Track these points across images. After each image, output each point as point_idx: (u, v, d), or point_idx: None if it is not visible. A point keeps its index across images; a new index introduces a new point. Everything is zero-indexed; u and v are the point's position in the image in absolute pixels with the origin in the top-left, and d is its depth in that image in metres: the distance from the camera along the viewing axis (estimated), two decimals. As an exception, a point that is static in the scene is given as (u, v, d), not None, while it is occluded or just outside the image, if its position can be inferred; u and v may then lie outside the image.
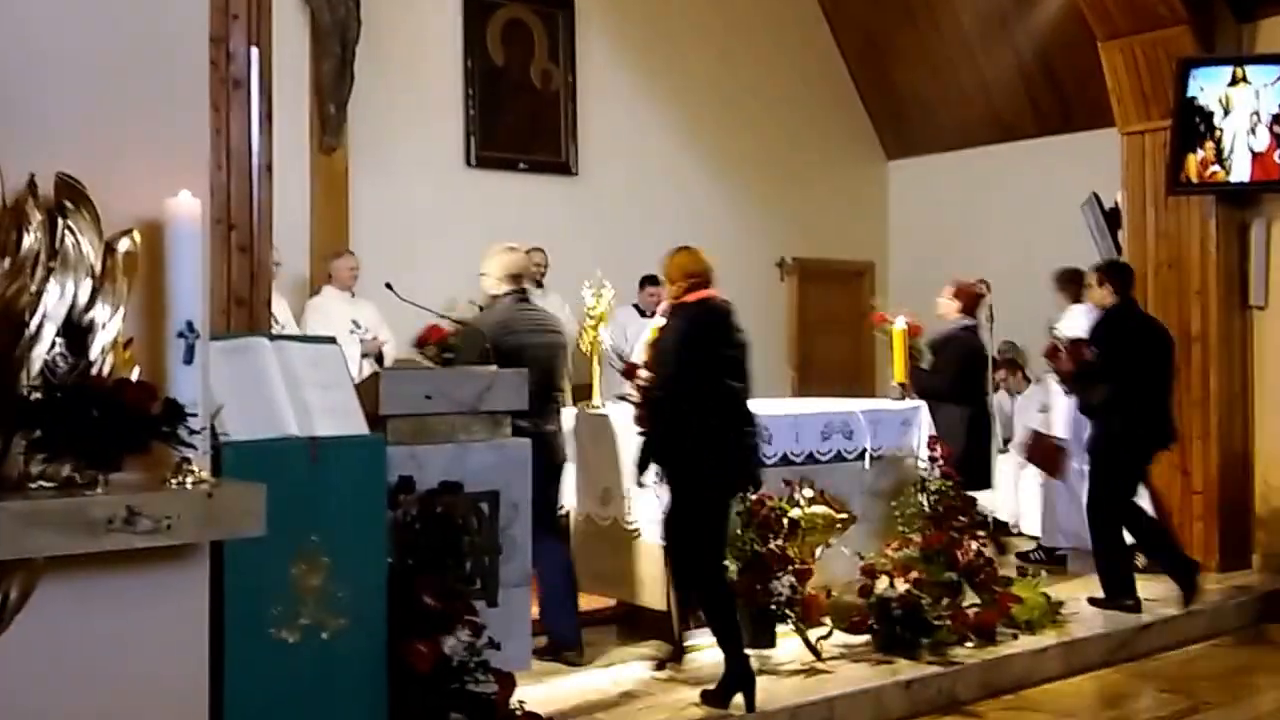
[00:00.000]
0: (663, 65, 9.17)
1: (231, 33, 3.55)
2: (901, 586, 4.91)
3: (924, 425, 5.74)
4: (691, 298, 4.33)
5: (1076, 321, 6.32)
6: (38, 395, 2.20)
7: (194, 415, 2.34)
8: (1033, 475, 7.51)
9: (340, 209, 7.60)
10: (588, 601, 5.20)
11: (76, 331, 2.31)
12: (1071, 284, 6.61)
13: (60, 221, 2.30)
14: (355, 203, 7.68)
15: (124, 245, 2.39)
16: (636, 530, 4.93)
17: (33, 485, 2.16)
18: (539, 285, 7.67)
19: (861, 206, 10.53)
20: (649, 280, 7.89)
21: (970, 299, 6.21)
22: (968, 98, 9.88)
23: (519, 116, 8.49)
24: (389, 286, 6.32)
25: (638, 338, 6.44)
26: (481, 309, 5.56)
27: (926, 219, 10.25)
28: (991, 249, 9.30)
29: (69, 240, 2.31)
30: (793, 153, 9.94)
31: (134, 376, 2.36)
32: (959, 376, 5.91)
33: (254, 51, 3.60)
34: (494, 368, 4.13)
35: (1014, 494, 7.57)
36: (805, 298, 10.19)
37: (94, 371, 2.33)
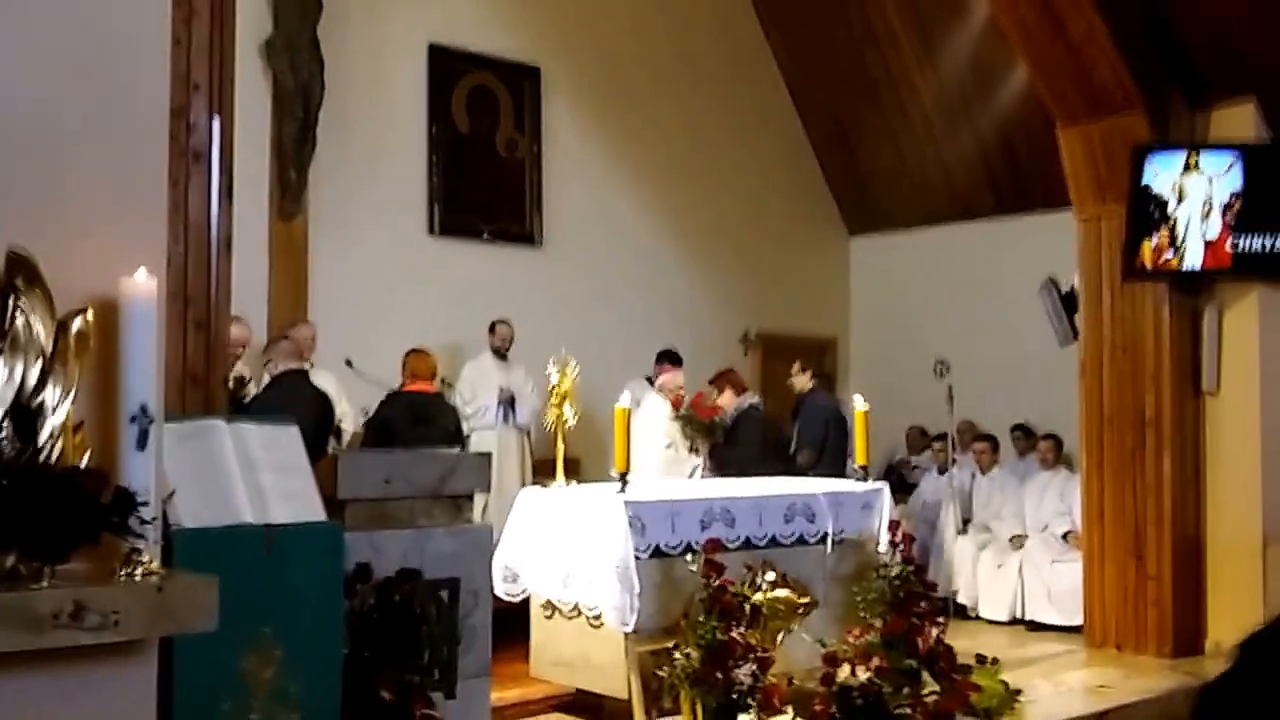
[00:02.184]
0: (629, 137, 9.23)
1: (193, 104, 3.47)
2: (863, 675, 4.84)
3: (885, 508, 5.72)
4: (402, 389, 5.70)
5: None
6: (-19, 483, 2.09)
7: (145, 504, 2.26)
8: (990, 557, 7.53)
9: (299, 276, 7.45)
10: (545, 689, 5.06)
11: (25, 415, 2.22)
12: (721, 378, 7.59)
13: (10, 300, 2.22)
14: (314, 270, 7.54)
15: (77, 325, 2.31)
16: (598, 615, 4.81)
17: (-28, 578, 2.05)
18: (504, 357, 7.58)
19: (825, 281, 10.65)
20: (665, 357, 7.74)
21: (737, 383, 7.26)
22: (929, 176, 10.07)
23: (483, 185, 8.42)
24: (349, 364, 6.25)
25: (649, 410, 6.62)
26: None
27: (888, 295, 10.38)
28: (951, 325, 9.41)
29: (19, 320, 2.23)
30: (757, 227, 10.04)
31: (84, 462, 2.29)
32: (762, 447, 6.82)
33: (215, 123, 3.53)
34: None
35: (973, 576, 7.56)
36: (769, 371, 10.18)
37: (42, 458, 2.24)
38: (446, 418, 6.17)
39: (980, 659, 5.43)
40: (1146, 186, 6.08)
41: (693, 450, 6.88)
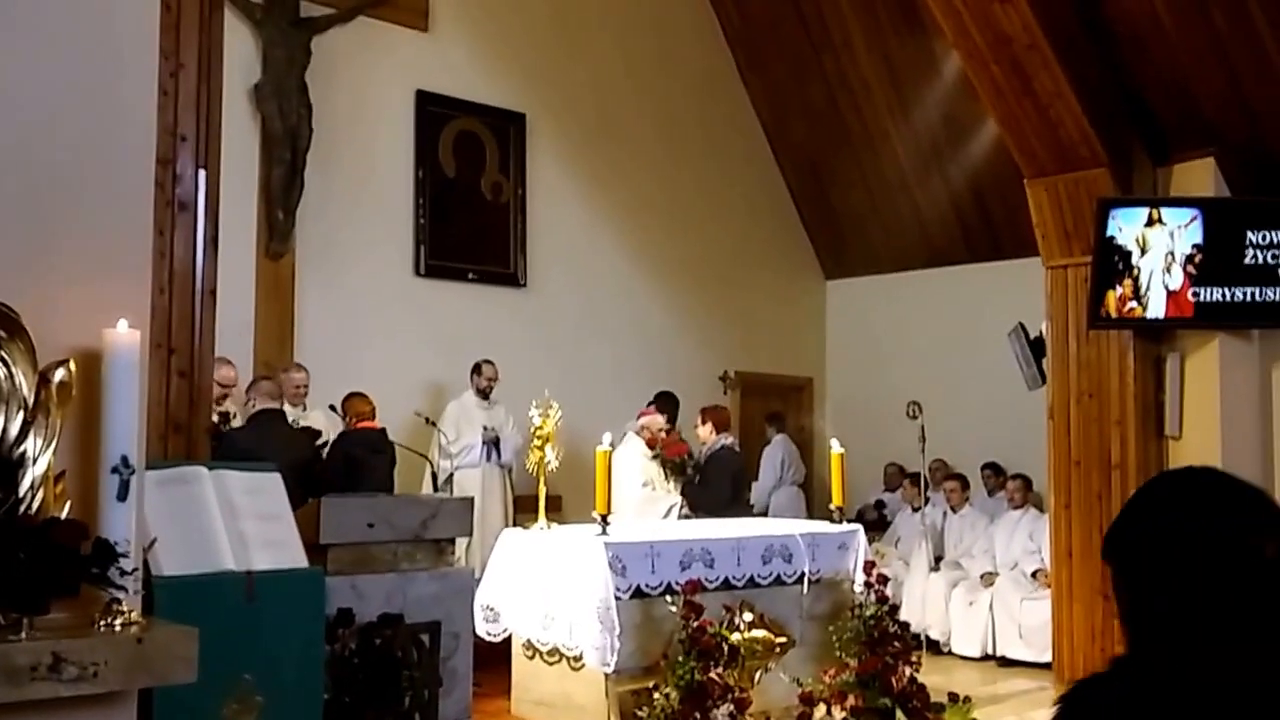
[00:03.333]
0: (611, 182, 9.37)
1: (179, 154, 3.52)
2: (839, 714, 4.90)
3: (860, 549, 5.80)
4: (353, 426, 6.36)
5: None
6: (-39, 534, 2.12)
7: (125, 555, 2.29)
8: (962, 593, 7.61)
9: (285, 315, 7.49)
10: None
11: (6, 465, 2.25)
12: (706, 412, 7.31)
13: (-8, 351, 2.27)
14: (301, 309, 7.60)
15: (59, 375, 2.33)
16: (579, 655, 4.86)
17: (-49, 628, 2.09)
18: (485, 397, 7.65)
19: (801, 323, 10.79)
20: (660, 398, 7.78)
21: (720, 421, 7.06)
22: (902, 223, 10.25)
23: (468, 227, 8.51)
24: (333, 409, 6.36)
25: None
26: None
27: (863, 337, 10.54)
28: (924, 368, 9.54)
29: (1, 372, 2.26)
30: (736, 269, 10.19)
31: (65, 513, 2.31)
32: (732, 488, 6.78)
33: (202, 174, 3.59)
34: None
35: (944, 612, 7.64)
36: (748, 410, 10.32)
37: (23, 509, 2.26)
38: (391, 450, 6.58)
39: (953, 697, 5.49)
40: (1111, 238, 6.24)
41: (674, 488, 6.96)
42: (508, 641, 5.24)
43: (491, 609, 5.16)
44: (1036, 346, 6.87)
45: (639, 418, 7.14)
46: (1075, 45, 6.17)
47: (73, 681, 2.10)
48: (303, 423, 6.65)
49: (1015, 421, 8.04)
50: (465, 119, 8.56)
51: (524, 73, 8.83)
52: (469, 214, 8.53)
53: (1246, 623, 1.27)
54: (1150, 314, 6.26)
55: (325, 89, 7.65)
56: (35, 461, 2.28)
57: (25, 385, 2.28)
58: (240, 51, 7.05)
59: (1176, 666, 1.29)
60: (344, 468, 6.12)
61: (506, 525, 7.00)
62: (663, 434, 6.95)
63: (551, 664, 5.05)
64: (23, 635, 2.10)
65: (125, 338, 2.39)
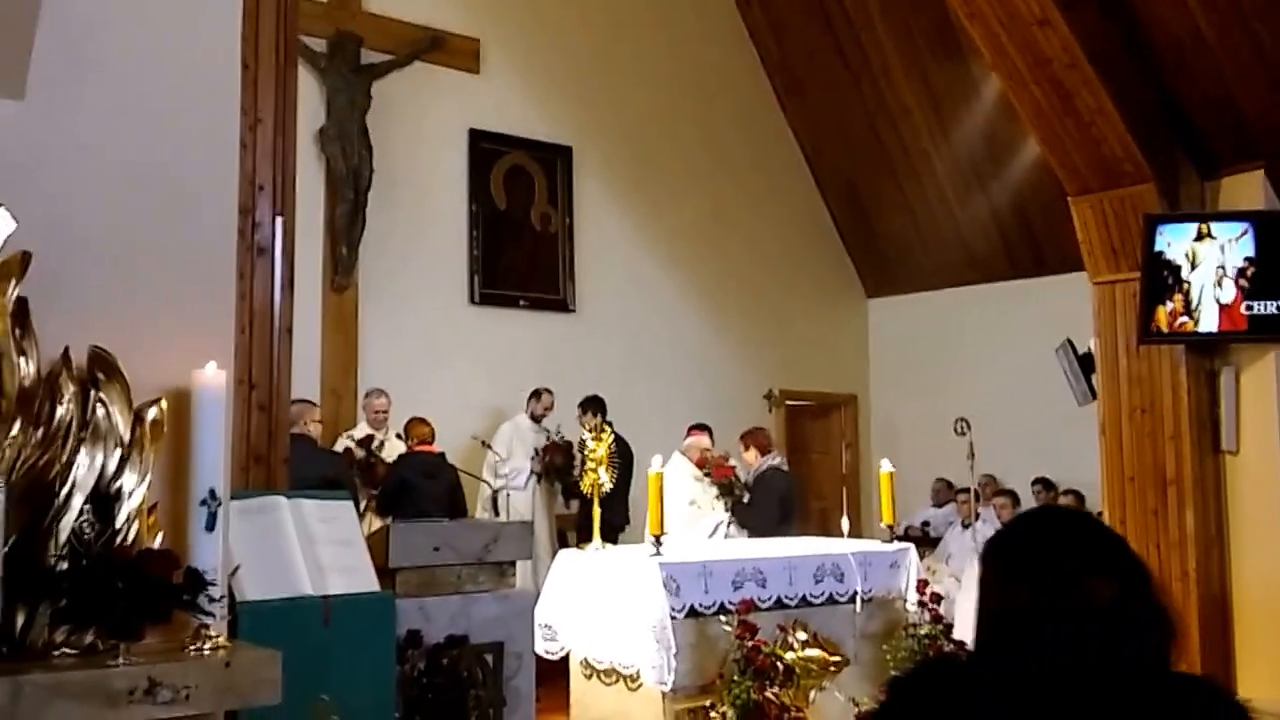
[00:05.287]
0: (655, 208, 9.59)
1: (258, 203, 3.71)
2: (895, 734, 4.92)
3: (912, 567, 5.82)
4: (414, 449, 6.72)
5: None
6: (64, 565, 2.30)
7: (213, 583, 2.44)
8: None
9: (350, 345, 7.85)
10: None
11: (104, 499, 2.43)
12: (747, 436, 7.25)
13: (92, 393, 2.45)
14: (364, 338, 7.94)
15: (152, 414, 2.52)
16: (635, 674, 4.95)
17: (55, 653, 2.26)
18: (539, 422, 7.92)
19: (844, 342, 10.90)
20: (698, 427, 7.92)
21: (762, 444, 7.09)
22: (943, 240, 10.26)
23: (519, 256, 8.84)
24: (399, 436, 6.66)
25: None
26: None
27: (905, 354, 10.56)
28: (969, 385, 9.52)
29: (100, 411, 2.45)
30: (779, 290, 10.33)
31: (157, 543, 2.48)
32: (780, 508, 6.80)
33: (279, 220, 3.79)
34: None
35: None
36: (793, 427, 10.40)
37: (119, 540, 2.42)
38: (449, 474, 6.78)
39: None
40: (1159, 254, 6.16)
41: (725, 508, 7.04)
42: (566, 658, 5.34)
43: (549, 627, 5.26)
44: (1085, 362, 6.82)
45: (687, 438, 7.25)
46: (1116, 62, 6.15)
47: (167, 704, 2.26)
48: (388, 449, 7.01)
49: (1065, 437, 8.00)
50: (515, 154, 8.91)
51: (569, 108, 9.11)
52: (519, 244, 8.86)
53: (1062, 648, 1.42)
54: (1202, 328, 6.14)
55: (385, 131, 8.03)
56: (130, 495, 2.46)
57: (122, 424, 2.46)
58: (306, 98, 7.37)
59: (996, 667, 1.47)
60: (396, 489, 6.46)
61: (553, 543, 7.33)
62: (707, 453, 7.04)
63: (609, 684, 5.13)
64: (120, 661, 2.27)
65: (213, 378, 2.56)
